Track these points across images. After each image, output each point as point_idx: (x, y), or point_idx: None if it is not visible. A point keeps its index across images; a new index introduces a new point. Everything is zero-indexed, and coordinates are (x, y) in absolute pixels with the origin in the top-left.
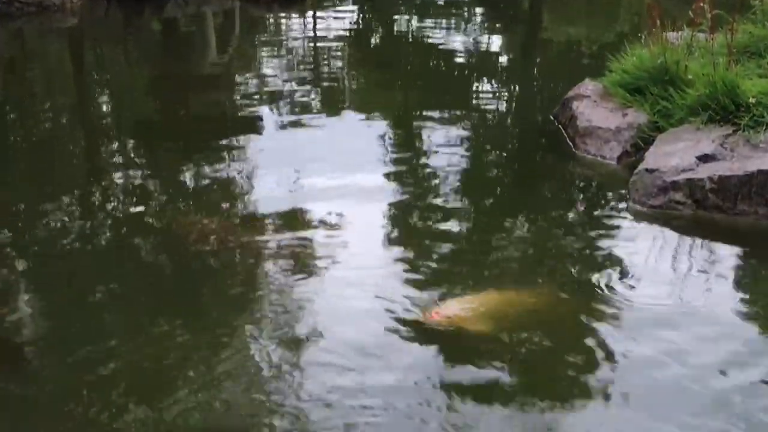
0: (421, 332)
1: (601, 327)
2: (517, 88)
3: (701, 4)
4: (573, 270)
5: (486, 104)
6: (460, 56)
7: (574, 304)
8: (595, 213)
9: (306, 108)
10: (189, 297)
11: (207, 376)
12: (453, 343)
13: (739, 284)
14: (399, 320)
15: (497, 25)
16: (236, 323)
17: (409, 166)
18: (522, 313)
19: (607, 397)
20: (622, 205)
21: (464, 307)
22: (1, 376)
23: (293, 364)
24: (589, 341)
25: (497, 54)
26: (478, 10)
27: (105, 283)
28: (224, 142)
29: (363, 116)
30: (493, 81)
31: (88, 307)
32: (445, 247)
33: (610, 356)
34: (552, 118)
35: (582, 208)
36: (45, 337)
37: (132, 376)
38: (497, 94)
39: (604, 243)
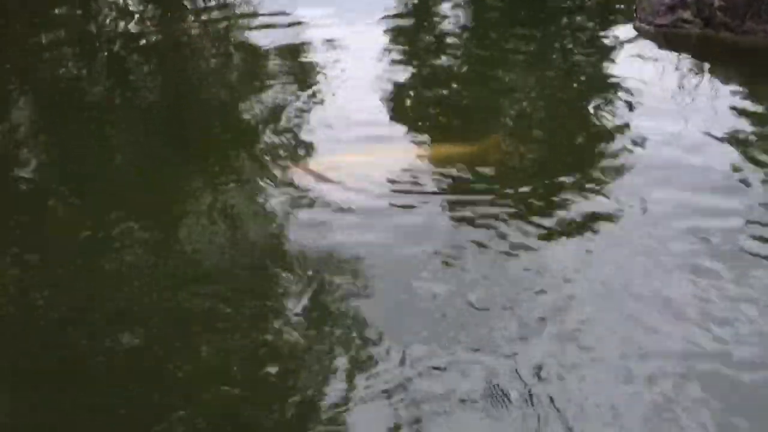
0: None
1: (593, 148)
2: None
3: None
4: (574, 90)
5: None
6: None
7: (570, 126)
8: (600, 32)
9: None
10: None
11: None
12: None
13: (743, 103)
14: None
15: None
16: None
17: None
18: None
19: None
20: (628, 24)
21: (335, 163)
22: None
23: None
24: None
25: None
26: None
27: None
28: None
29: None
30: None
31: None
32: (433, 77)
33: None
34: None
35: (586, 28)
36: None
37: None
38: None
39: (607, 63)
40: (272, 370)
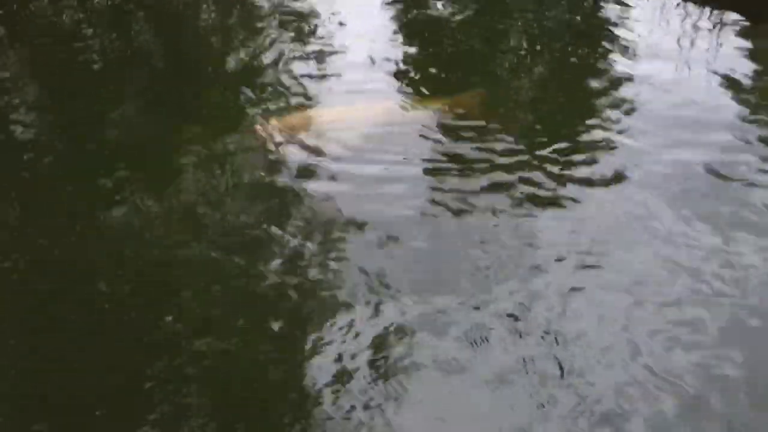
0: None
1: (588, 99)
2: None
3: None
4: (575, 42)
5: None
6: None
7: (565, 79)
8: None
9: None
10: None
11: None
12: None
13: (745, 46)
14: None
15: None
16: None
17: None
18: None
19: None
20: None
21: (299, 121)
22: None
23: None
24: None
25: None
26: None
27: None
28: None
29: None
30: None
31: None
32: (427, 31)
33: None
34: None
35: None
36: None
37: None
38: None
39: (606, 18)
40: (269, 323)
